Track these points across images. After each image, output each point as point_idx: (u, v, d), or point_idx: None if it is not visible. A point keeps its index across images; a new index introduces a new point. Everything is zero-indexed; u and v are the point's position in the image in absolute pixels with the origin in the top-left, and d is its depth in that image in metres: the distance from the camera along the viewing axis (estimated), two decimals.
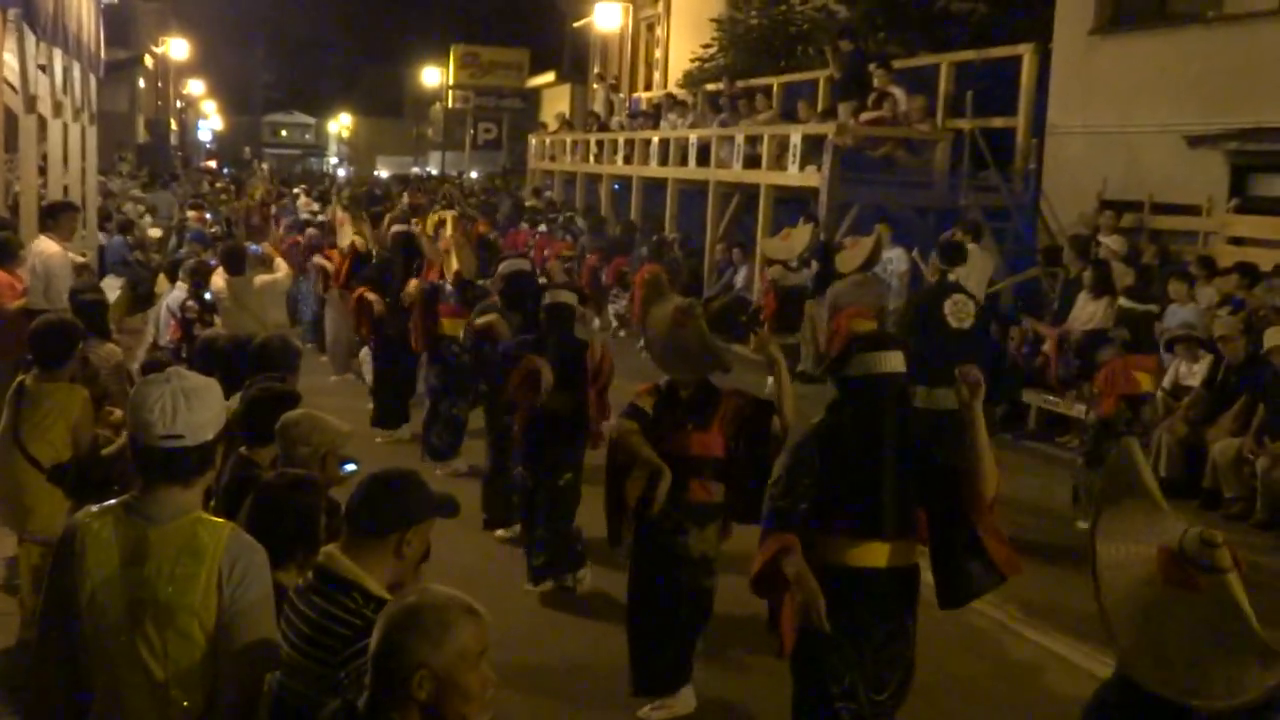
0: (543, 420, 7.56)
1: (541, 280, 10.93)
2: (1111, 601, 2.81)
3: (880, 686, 4.67)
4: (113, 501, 3.30)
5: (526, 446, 7.76)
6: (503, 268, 9.25)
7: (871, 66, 17.22)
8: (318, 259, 13.90)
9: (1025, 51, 16.39)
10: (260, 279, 10.92)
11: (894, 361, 4.64)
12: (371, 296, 11.34)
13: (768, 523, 4.63)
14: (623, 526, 6.00)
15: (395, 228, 12.10)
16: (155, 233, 21.43)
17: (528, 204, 26.16)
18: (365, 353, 12.54)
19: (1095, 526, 2.93)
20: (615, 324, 18.53)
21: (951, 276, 9.68)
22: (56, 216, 10.48)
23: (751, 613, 6.62)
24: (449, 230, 11.19)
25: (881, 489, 4.55)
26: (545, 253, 21.05)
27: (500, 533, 8.71)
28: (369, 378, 12.36)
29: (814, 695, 4.71)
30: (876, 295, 13.01)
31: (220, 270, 10.56)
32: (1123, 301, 10.23)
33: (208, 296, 10.15)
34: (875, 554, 4.60)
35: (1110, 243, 13.34)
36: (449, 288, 10.41)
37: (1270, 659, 2.65)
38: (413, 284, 10.84)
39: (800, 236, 14.61)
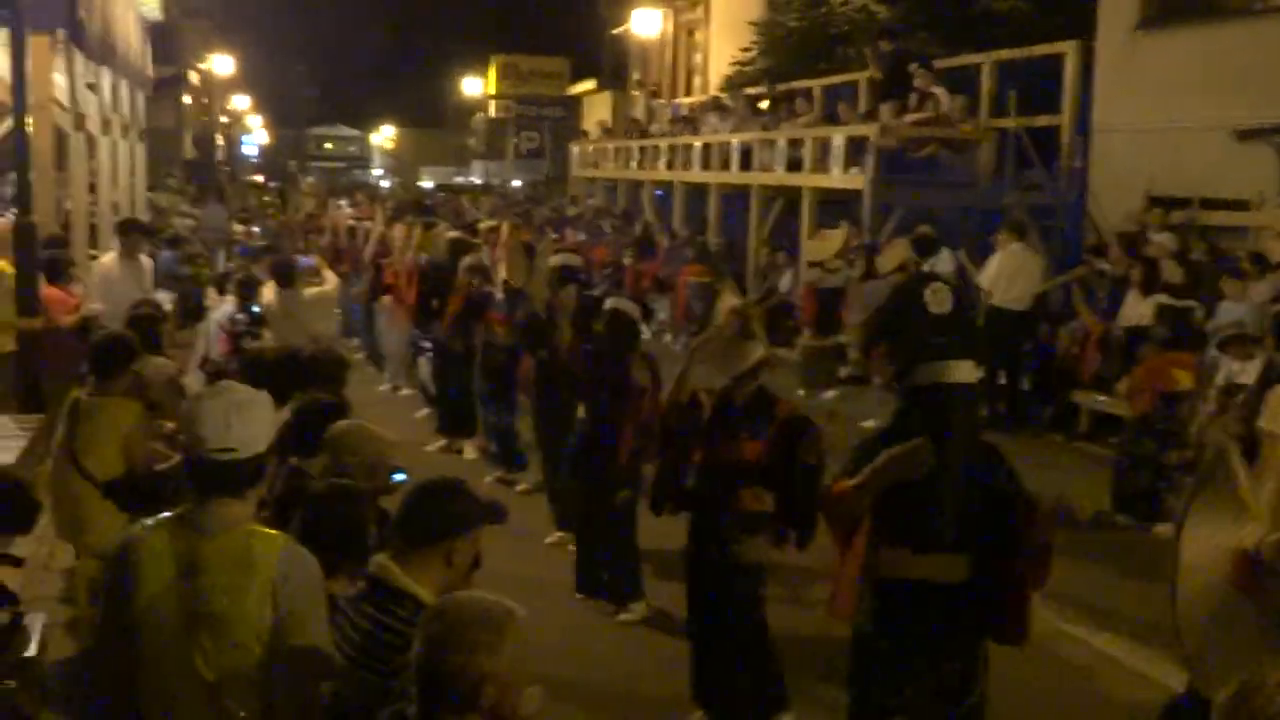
0: (596, 431, 7.42)
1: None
2: (1182, 605, 2.77)
3: (946, 699, 4.50)
4: (166, 515, 3.34)
5: (578, 458, 7.60)
6: (554, 260, 9.38)
7: (913, 67, 17.13)
8: (387, 300, 13.65)
9: (1068, 49, 16.27)
10: (310, 291, 11.02)
11: (964, 371, 4.52)
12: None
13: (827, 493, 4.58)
14: (668, 495, 6.06)
15: (451, 234, 12.03)
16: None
17: (570, 213, 26.23)
18: (423, 363, 12.51)
19: (1180, 530, 2.87)
20: (656, 331, 18.43)
21: (925, 266, 9.64)
22: (124, 234, 10.69)
23: (811, 631, 6.67)
24: (504, 237, 11.14)
25: (945, 501, 4.41)
26: (590, 257, 21.10)
27: (551, 539, 8.70)
28: (430, 387, 12.38)
29: (869, 708, 4.61)
30: None
31: (270, 283, 10.64)
32: (1162, 298, 10.18)
33: (256, 310, 10.23)
34: (938, 566, 4.46)
35: (1161, 240, 13.20)
36: (499, 295, 10.36)
37: None
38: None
39: (836, 237, 14.57)
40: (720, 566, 5.86)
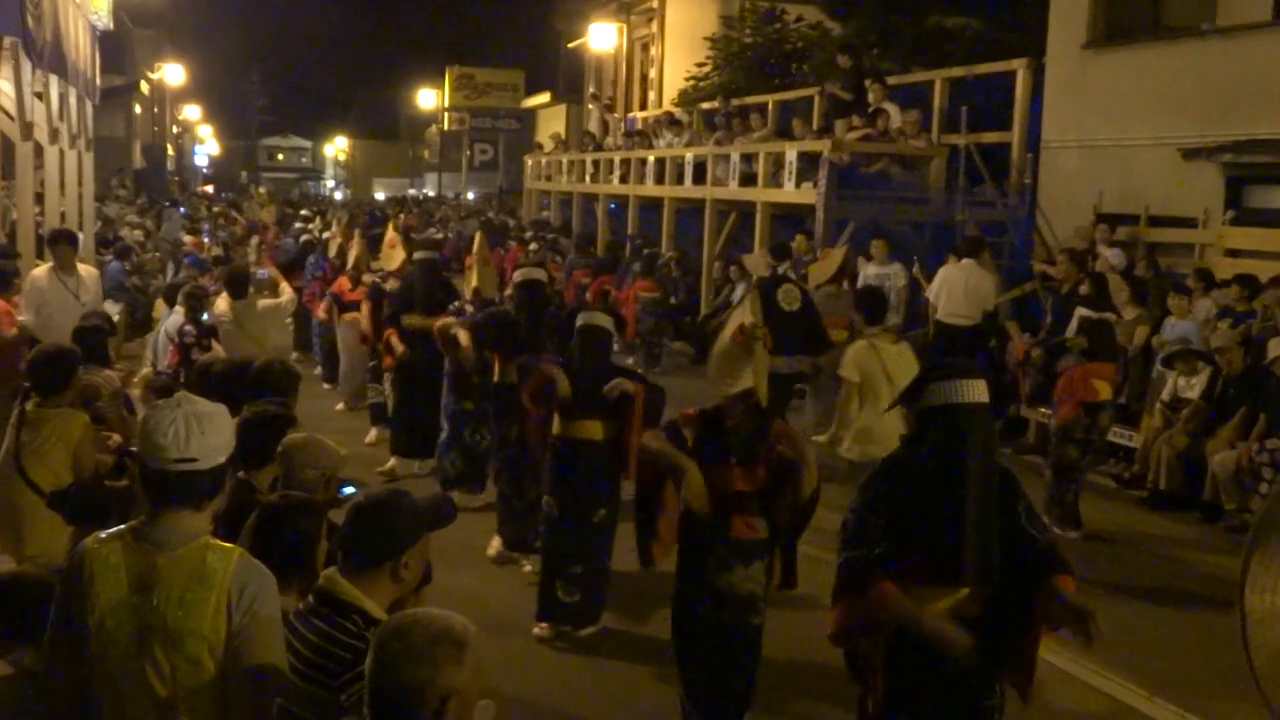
0: (572, 448, 7.20)
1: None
2: (1265, 658, 2.64)
3: None
4: (121, 527, 3.32)
5: (554, 476, 7.30)
6: (518, 275, 9.15)
7: (867, 82, 17.30)
8: (351, 316, 13.18)
9: (1019, 66, 16.47)
10: (264, 302, 10.91)
11: (977, 390, 4.21)
12: (396, 342, 10.88)
13: (843, 582, 4.21)
14: (654, 547, 5.75)
15: (419, 254, 11.68)
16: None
17: (509, 225, 26.23)
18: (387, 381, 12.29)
19: (1244, 574, 2.74)
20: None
21: (780, 269, 11.33)
22: (53, 246, 10.51)
23: (808, 658, 6.67)
24: (475, 247, 10.98)
25: (964, 532, 4.09)
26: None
27: (492, 550, 8.63)
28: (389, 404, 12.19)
29: None
30: (848, 306, 13.03)
31: (223, 294, 10.55)
32: (1081, 310, 10.38)
33: (205, 318, 10.15)
34: (957, 600, 4.19)
35: (1109, 256, 13.37)
36: (469, 308, 10.03)
37: None
38: (439, 324, 10.00)
39: (835, 257, 14.44)
40: (714, 596, 5.57)
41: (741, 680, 5.68)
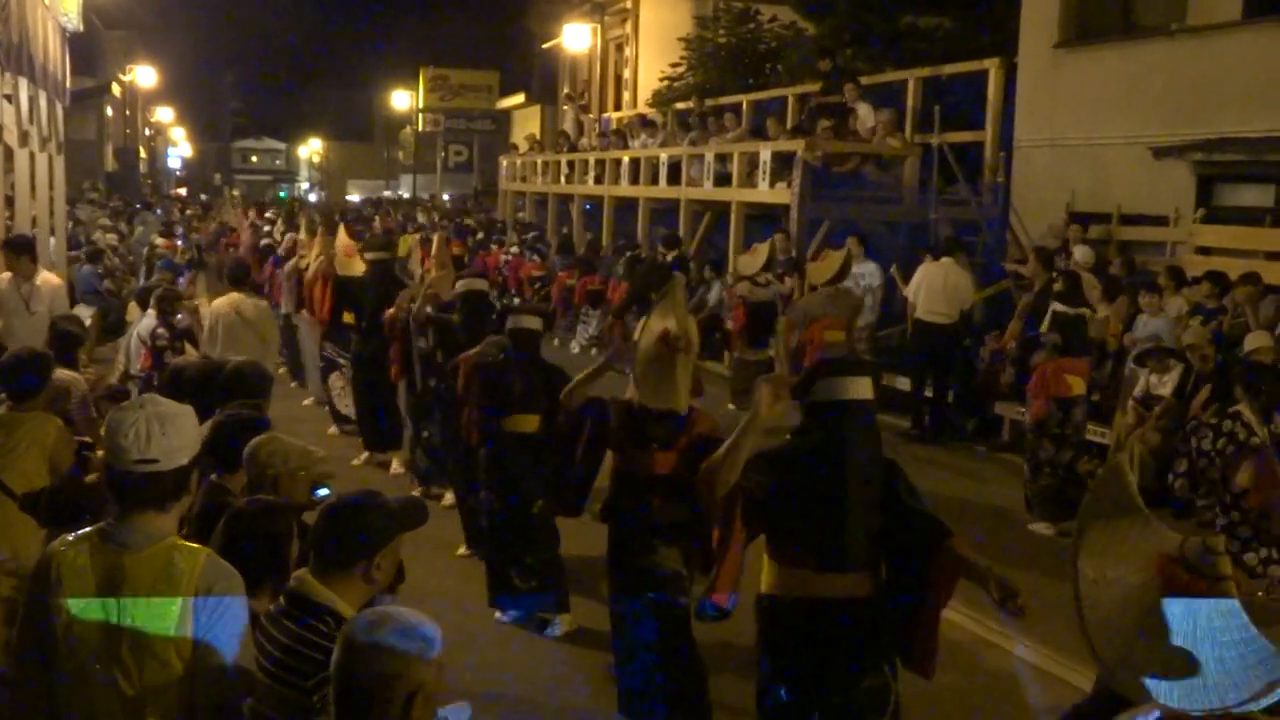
0: (508, 442, 7.41)
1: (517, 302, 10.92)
2: (1096, 618, 2.84)
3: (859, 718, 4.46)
4: (88, 529, 3.32)
5: (490, 471, 7.53)
6: (460, 286, 9.31)
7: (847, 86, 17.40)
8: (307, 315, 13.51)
9: (991, 66, 16.56)
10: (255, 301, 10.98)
11: (862, 388, 4.50)
12: (348, 317, 11.36)
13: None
14: (577, 488, 6.16)
15: (371, 255, 11.86)
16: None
17: (466, 222, 26.32)
18: (335, 379, 12.45)
19: (1077, 544, 2.95)
20: (586, 345, 18.50)
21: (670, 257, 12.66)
22: (6, 252, 10.40)
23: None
24: (435, 250, 11.05)
25: (846, 522, 4.41)
26: (519, 274, 21.13)
27: (461, 550, 8.75)
28: (341, 405, 12.34)
29: None
30: (849, 307, 13.10)
31: (203, 296, 10.56)
32: (1055, 306, 10.48)
33: (179, 318, 10.11)
34: (840, 585, 4.45)
35: (1079, 254, 13.44)
36: (428, 309, 10.23)
37: (1272, 662, 2.70)
38: (390, 312, 10.51)
39: (763, 251, 14.73)
40: (642, 578, 5.88)
41: (673, 663, 5.89)
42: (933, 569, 4.34)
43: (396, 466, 11.22)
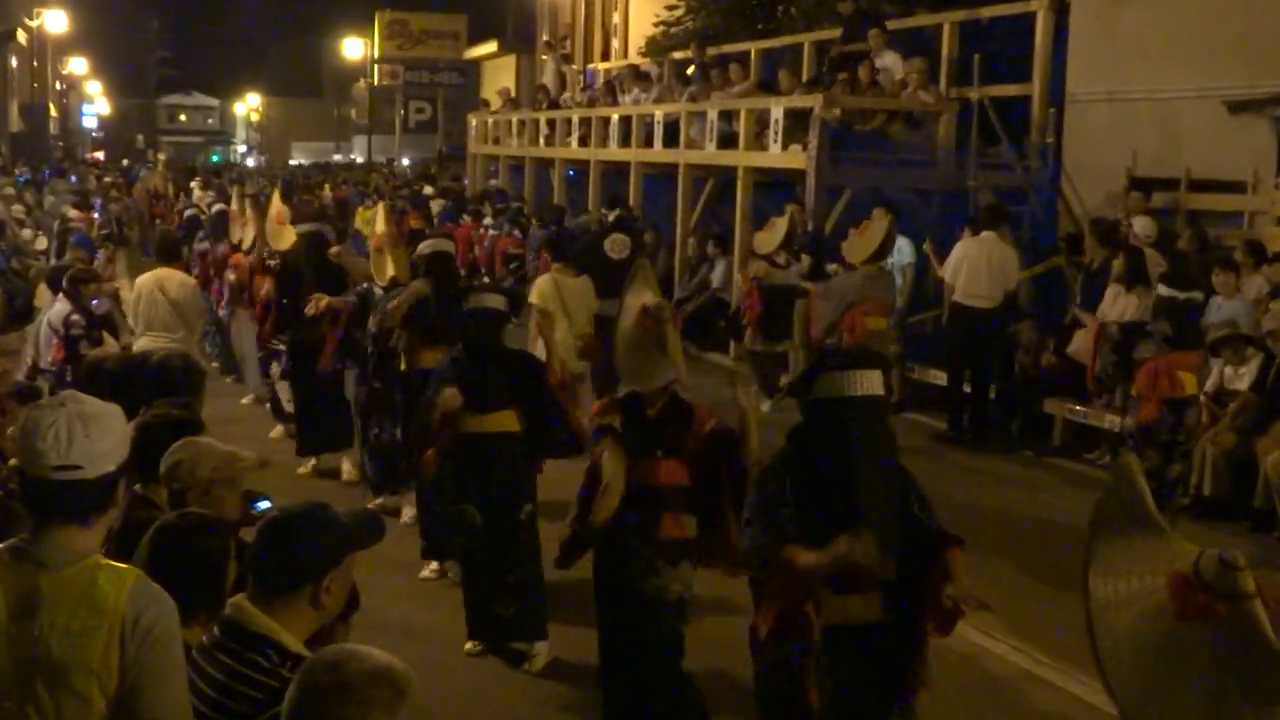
0: (486, 443, 7.35)
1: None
2: (1109, 645, 2.79)
3: None
4: None
5: (467, 478, 7.43)
6: (423, 247, 9.51)
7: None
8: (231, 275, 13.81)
9: (1039, 7, 16.49)
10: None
11: (871, 382, 4.52)
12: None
13: (758, 571, 4.58)
14: (574, 550, 6.10)
15: (303, 226, 11.96)
16: (40, 243, 21.32)
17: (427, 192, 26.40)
18: (276, 369, 12.46)
19: (1088, 560, 2.92)
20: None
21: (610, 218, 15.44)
22: None
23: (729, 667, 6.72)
24: (380, 225, 11.07)
25: (860, 530, 4.40)
26: (495, 250, 21.12)
27: (432, 568, 8.78)
28: (285, 400, 12.35)
29: None
30: (891, 290, 13.10)
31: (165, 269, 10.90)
32: (1161, 289, 10.25)
33: (95, 302, 10.10)
34: (856, 607, 4.54)
35: (1138, 227, 13.41)
36: (381, 293, 10.22)
37: None
38: (323, 300, 10.65)
39: (781, 224, 14.63)
40: (639, 602, 5.89)
41: (668, 695, 5.93)
42: (939, 593, 4.43)
43: (349, 471, 11.20)
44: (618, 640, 6.05)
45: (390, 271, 10.31)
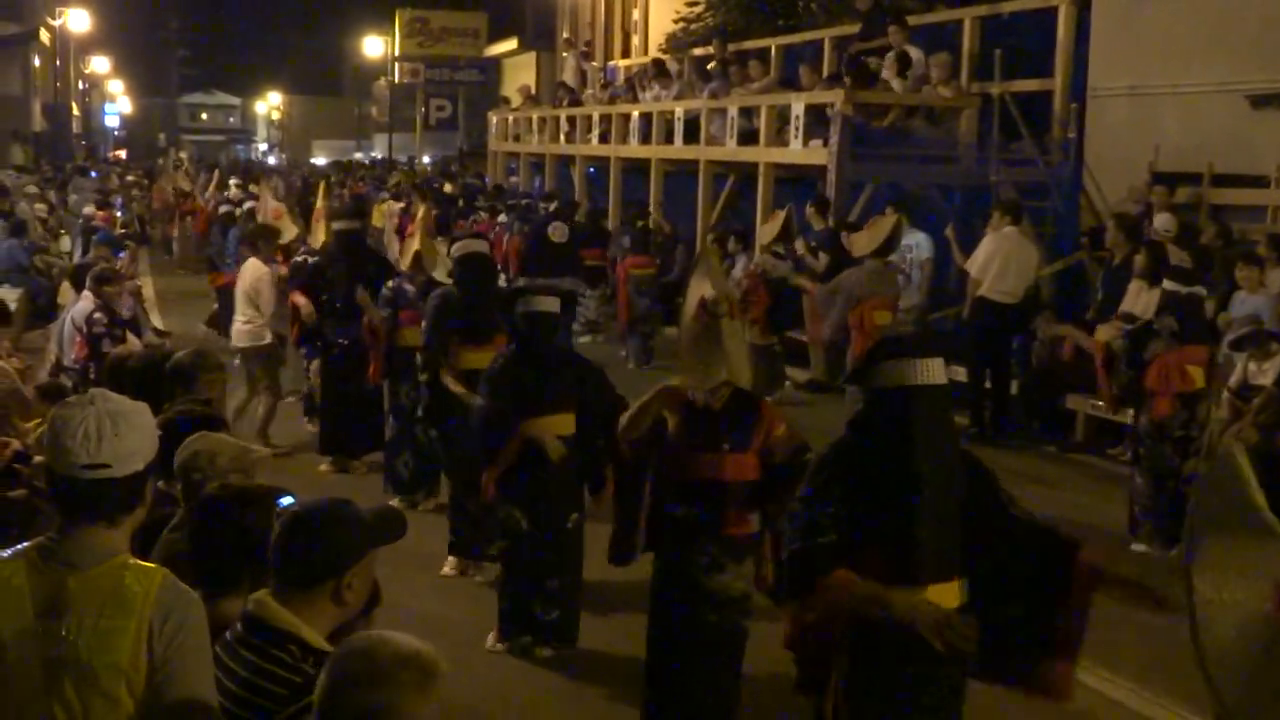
0: (539, 448, 7.21)
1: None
2: (1213, 649, 2.72)
3: None
4: (25, 545, 3.29)
5: (517, 482, 7.30)
6: (456, 249, 9.39)
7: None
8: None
9: (1061, 2, 16.44)
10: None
11: (933, 370, 4.37)
12: (301, 300, 11.34)
13: (793, 577, 4.43)
14: (635, 536, 6.02)
15: (339, 224, 11.89)
16: (64, 244, 21.45)
17: (447, 190, 26.35)
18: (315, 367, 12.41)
19: (1190, 555, 2.83)
20: (581, 329, 18.28)
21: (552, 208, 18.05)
22: None
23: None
24: (419, 220, 11.12)
25: (916, 525, 4.29)
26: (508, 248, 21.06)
27: (453, 564, 8.74)
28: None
29: None
30: (894, 285, 13.06)
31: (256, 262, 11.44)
32: (1167, 285, 10.28)
33: (125, 310, 10.15)
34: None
35: (1159, 222, 13.35)
36: (411, 289, 10.16)
37: None
38: (364, 297, 10.53)
39: (884, 226, 14.34)
40: (700, 598, 5.84)
41: (718, 694, 5.90)
42: (1073, 585, 4.33)
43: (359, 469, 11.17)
44: (677, 636, 5.94)
45: (414, 257, 10.38)
